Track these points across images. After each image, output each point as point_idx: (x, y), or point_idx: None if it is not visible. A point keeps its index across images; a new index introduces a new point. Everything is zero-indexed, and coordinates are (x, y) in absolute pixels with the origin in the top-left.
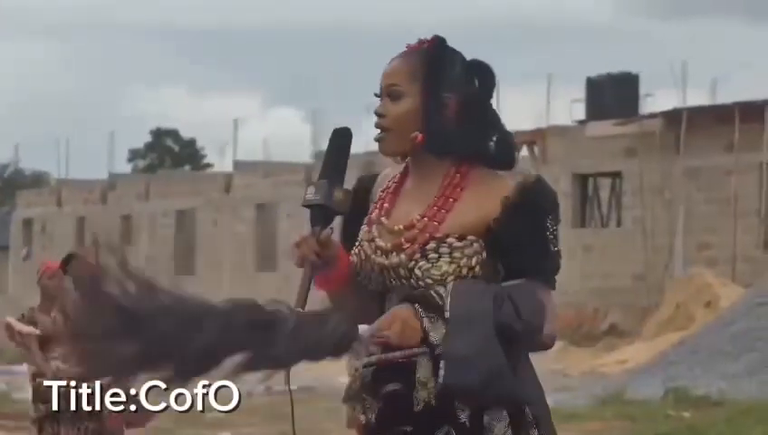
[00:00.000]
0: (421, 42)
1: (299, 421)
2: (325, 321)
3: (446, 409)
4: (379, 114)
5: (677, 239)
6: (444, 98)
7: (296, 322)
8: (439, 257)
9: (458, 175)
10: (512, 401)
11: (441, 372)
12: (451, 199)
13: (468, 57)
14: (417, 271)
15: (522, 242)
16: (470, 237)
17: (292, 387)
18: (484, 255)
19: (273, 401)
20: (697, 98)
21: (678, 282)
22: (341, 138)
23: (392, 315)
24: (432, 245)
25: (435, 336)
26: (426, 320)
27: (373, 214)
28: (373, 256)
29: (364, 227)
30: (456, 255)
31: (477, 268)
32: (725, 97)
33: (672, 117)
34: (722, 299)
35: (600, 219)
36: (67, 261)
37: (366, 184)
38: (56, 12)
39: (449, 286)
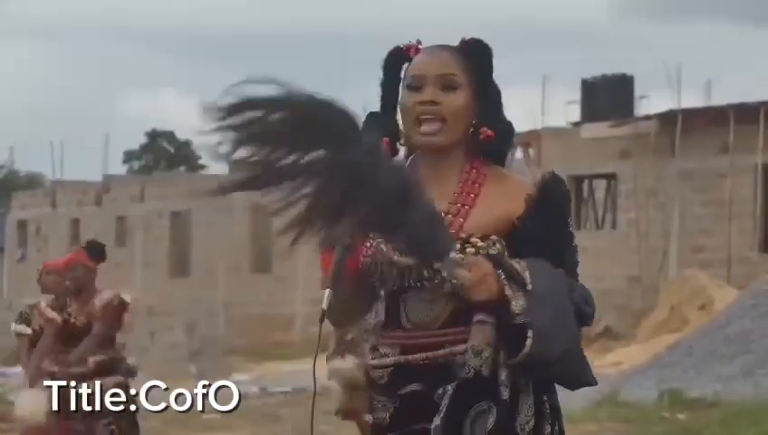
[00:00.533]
0: (464, 41)
1: (293, 423)
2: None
3: (491, 383)
4: (434, 102)
5: (672, 241)
6: (499, 95)
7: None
8: (464, 258)
9: (474, 171)
10: (579, 380)
11: (528, 341)
12: (472, 195)
13: None
14: (443, 272)
15: (549, 239)
16: (492, 237)
17: (287, 389)
18: (506, 254)
19: (268, 402)
20: (692, 100)
21: (673, 284)
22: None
23: (475, 261)
24: (458, 245)
25: (516, 306)
26: (507, 287)
27: None
28: (395, 257)
29: None
30: (481, 254)
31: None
32: (720, 99)
33: (667, 119)
34: (717, 301)
35: (594, 221)
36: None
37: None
38: (51, 14)
39: (524, 262)
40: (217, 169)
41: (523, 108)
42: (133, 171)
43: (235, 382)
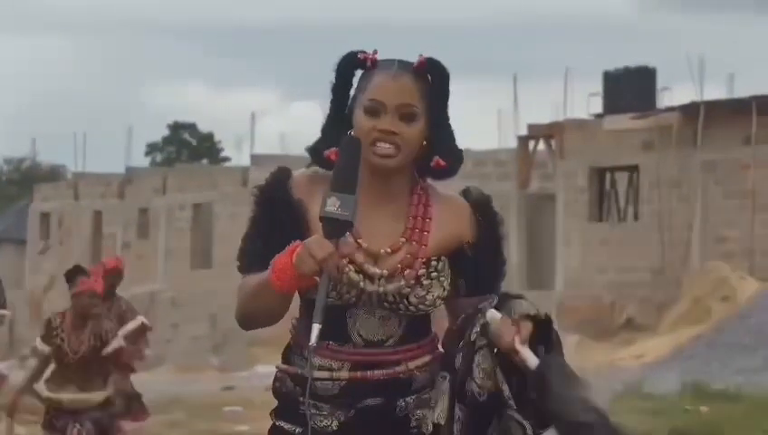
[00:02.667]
0: (422, 61)
1: None
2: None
3: (501, 398)
4: (393, 132)
5: (695, 233)
6: (449, 120)
7: None
8: (431, 283)
9: (422, 191)
10: None
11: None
12: (428, 219)
13: (489, 52)
14: (412, 298)
15: (492, 260)
16: (443, 258)
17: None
18: (451, 273)
19: None
20: (715, 91)
21: (696, 276)
22: (355, 148)
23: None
24: (422, 271)
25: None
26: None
27: (346, 241)
28: (360, 282)
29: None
30: (441, 278)
31: (450, 288)
32: (743, 90)
33: (689, 110)
34: (739, 293)
35: (617, 213)
36: (72, 273)
37: (285, 183)
38: (76, 7)
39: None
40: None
41: (546, 100)
42: (155, 163)
43: (257, 374)
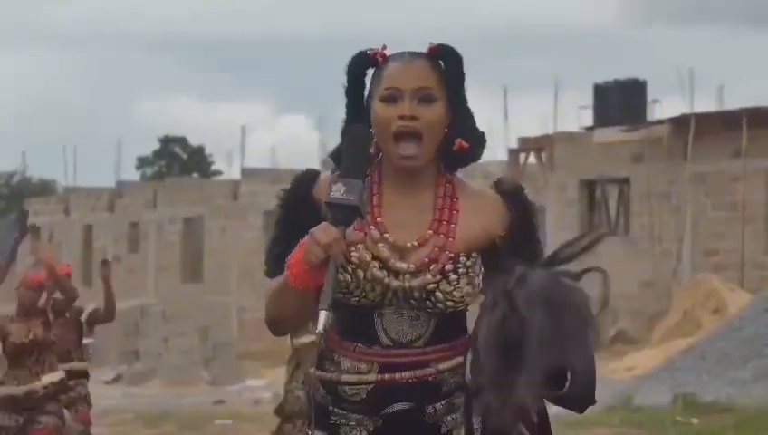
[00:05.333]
0: (434, 47)
1: None
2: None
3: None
4: (411, 116)
5: (685, 245)
6: (467, 103)
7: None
8: (459, 278)
9: (448, 184)
10: (590, 403)
11: (567, 385)
12: (454, 212)
13: (478, 64)
14: (438, 294)
15: (527, 248)
16: (473, 254)
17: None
18: (485, 269)
19: None
20: (705, 104)
21: (686, 288)
22: (359, 136)
23: None
24: (449, 266)
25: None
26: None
27: (368, 230)
28: (384, 278)
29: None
30: (471, 274)
31: (481, 284)
32: (733, 103)
33: (679, 123)
34: (730, 305)
35: (607, 226)
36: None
37: (307, 185)
38: (65, 21)
39: None
40: (230, 175)
41: (535, 112)
42: (146, 177)
43: (248, 388)
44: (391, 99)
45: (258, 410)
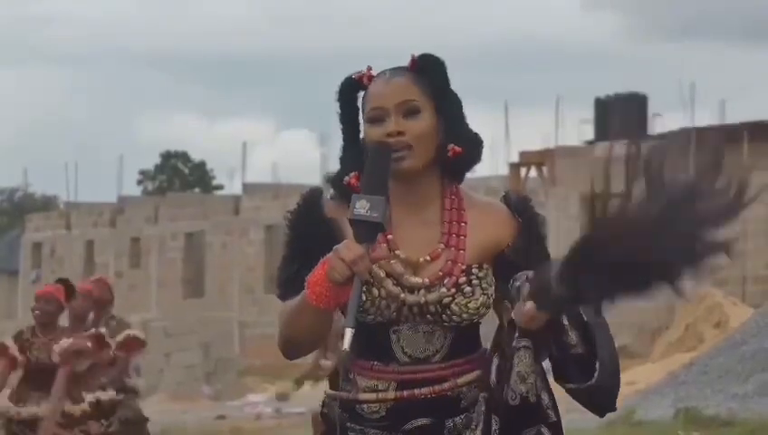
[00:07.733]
0: (414, 59)
1: None
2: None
3: (535, 408)
4: (398, 132)
5: None
6: (460, 107)
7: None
8: (473, 290)
9: (454, 197)
10: (611, 408)
11: (596, 375)
12: (463, 224)
13: (479, 79)
14: (453, 306)
15: (534, 258)
16: (485, 265)
17: (301, 410)
18: (495, 280)
19: (282, 423)
20: (706, 119)
21: (688, 303)
22: (384, 155)
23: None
24: (463, 278)
25: (573, 336)
26: (565, 317)
27: (378, 246)
28: (400, 294)
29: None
30: (484, 285)
31: (493, 295)
32: (734, 117)
33: (680, 137)
34: (732, 319)
35: None
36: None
37: (317, 204)
38: (67, 39)
39: None
40: (231, 189)
41: (537, 127)
42: (147, 192)
43: (249, 403)
44: (378, 119)
45: (260, 425)
